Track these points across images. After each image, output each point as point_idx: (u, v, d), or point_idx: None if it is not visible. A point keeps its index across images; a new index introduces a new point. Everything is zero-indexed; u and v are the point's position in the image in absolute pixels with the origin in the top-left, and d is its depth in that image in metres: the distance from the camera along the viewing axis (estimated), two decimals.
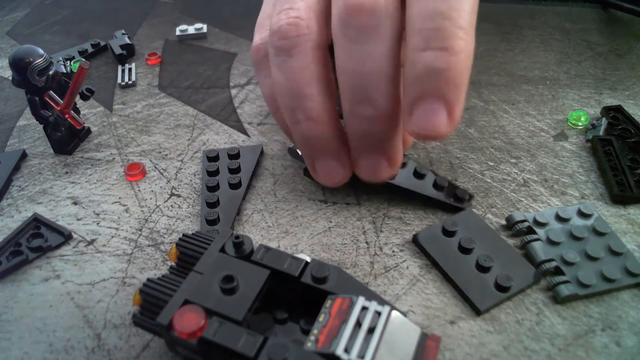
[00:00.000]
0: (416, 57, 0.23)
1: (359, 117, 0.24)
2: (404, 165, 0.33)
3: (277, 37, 0.25)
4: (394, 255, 0.30)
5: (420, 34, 0.23)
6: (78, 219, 0.33)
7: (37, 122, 0.36)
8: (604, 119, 0.37)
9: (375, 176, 0.27)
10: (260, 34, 0.30)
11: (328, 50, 0.26)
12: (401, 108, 0.25)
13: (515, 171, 0.35)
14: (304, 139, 0.27)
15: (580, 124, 0.38)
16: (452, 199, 0.32)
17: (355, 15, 0.23)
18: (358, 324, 0.22)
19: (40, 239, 0.31)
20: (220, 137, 0.39)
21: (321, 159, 0.28)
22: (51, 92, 0.34)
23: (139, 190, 0.34)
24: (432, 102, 0.23)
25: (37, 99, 0.34)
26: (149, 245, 0.31)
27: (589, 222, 0.30)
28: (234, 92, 0.44)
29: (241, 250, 0.25)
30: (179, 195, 0.34)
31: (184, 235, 0.26)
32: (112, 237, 0.31)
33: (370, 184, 0.28)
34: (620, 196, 0.32)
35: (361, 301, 0.22)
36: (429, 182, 0.32)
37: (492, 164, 0.35)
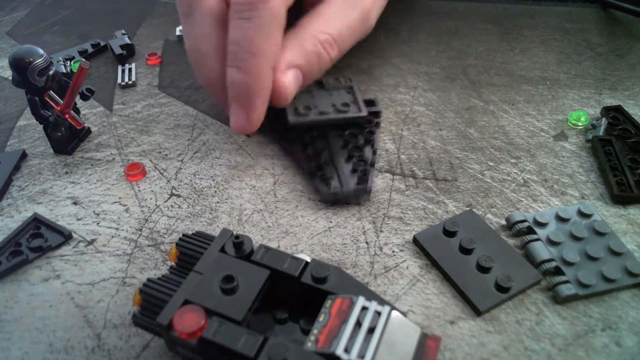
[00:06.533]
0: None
1: (231, 72, 0.31)
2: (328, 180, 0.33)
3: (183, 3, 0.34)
4: (394, 255, 0.30)
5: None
6: (78, 219, 0.33)
7: (37, 122, 0.36)
8: (604, 119, 0.37)
9: (237, 126, 0.32)
10: None
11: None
12: (268, 78, 0.31)
13: (515, 171, 0.35)
14: (207, 87, 0.34)
15: (580, 124, 0.38)
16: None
17: None
18: (358, 324, 0.22)
19: (40, 239, 0.31)
20: (220, 137, 0.38)
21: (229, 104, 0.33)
22: (51, 92, 0.34)
23: (139, 190, 0.34)
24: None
25: (37, 99, 0.34)
26: (149, 245, 0.31)
27: (589, 222, 0.30)
28: None
29: (241, 250, 0.25)
30: (179, 195, 0.34)
31: (184, 235, 0.26)
32: (112, 237, 0.31)
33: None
34: (620, 196, 0.32)
35: (361, 301, 0.22)
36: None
37: (492, 164, 0.35)
